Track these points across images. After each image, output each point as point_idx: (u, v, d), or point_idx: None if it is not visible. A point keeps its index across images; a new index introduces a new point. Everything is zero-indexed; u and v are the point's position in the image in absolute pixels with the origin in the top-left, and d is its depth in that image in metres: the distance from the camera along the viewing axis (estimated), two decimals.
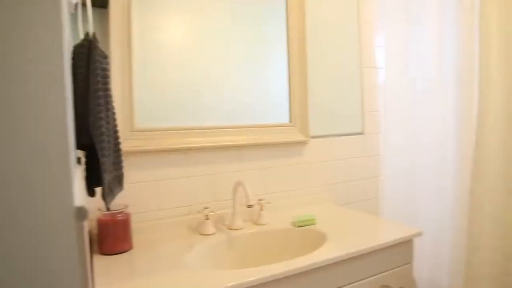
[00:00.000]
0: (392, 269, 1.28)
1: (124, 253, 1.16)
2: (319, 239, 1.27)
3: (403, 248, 1.30)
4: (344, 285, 1.16)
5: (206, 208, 1.34)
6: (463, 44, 1.48)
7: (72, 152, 0.55)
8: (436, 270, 1.70)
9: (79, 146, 0.80)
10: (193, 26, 1.42)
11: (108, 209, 0.96)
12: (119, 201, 1.18)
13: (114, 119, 0.91)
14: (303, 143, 1.65)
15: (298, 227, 1.38)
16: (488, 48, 1.40)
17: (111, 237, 1.15)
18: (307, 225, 1.38)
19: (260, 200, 1.46)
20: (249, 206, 1.23)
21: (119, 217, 1.17)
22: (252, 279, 0.97)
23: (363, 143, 1.86)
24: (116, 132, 0.92)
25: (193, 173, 1.42)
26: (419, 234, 1.31)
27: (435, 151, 1.66)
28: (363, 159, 1.86)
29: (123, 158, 0.97)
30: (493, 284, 1.46)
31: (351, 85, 1.82)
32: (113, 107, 0.90)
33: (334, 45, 1.77)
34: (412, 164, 1.74)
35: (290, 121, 1.61)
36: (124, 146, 1.22)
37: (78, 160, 0.85)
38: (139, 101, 1.30)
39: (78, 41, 0.82)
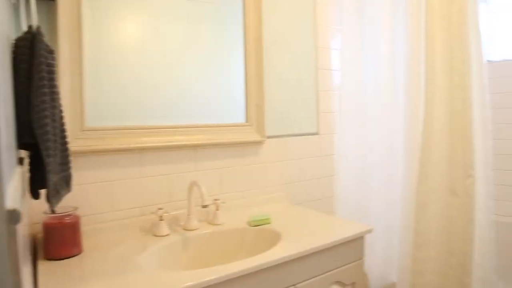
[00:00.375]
0: (345, 265, 1.32)
1: (73, 258, 1.11)
2: (274, 238, 1.28)
3: (355, 245, 1.34)
4: (299, 283, 1.18)
5: (160, 209, 1.32)
6: (411, 51, 1.55)
7: (7, 151, 0.52)
8: (386, 265, 1.77)
9: (22, 145, 0.76)
10: (148, 24, 1.39)
11: (53, 212, 0.91)
12: (68, 203, 1.13)
13: (61, 117, 0.87)
14: (259, 143, 1.66)
15: (253, 226, 1.39)
16: (432, 56, 1.49)
17: (58, 241, 1.10)
18: (262, 225, 1.40)
19: (216, 200, 1.45)
20: (204, 206, 1.22)
21: (67, 220, 1.12)
22: (207, 279, 0.96)
23: (318, 143, 1.91)
24: (63, 131, 0.88)
25: (147, 173, 1.39)
26: (369, 231, 1.37)
27: (385, 152, 1.73)
28: (318, 159, 1.90)
29: (71, 158, 0.92)
30: (437, 277, 1.54)
31: (307, 86, 1.86)
32: (60, 105, 0.86)
33: (291, 47, 1.80)
34: (364, 164, 1.81)
35: (246, 121, 1.62)
36: (74, 145, 1.17)
37: (20, 161, 0.80)
38: (90, 99, 1.25)
39: (20, 34, 0.77)
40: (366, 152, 1.80)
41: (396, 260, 1.66)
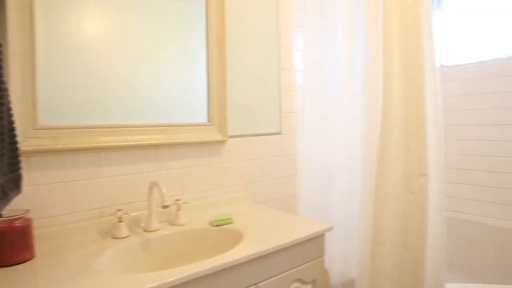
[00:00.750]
0: (306, 263, 1.34)
1: (24, 263, 1.06)
2: (236, 238, 1.28)
3: (315, 243, 1.37)
4: (261, 281, 1.18)
5: (119, 210, 1.28)
6: (370, 54, 1.60)
7: None
8: (346, 262, 1.82)
9: None
10: (111, 20, 1.35)
11: (0, 215, 0.86)
12: (21, 205, 1.07)
13: (10, 115, 0.83)
14: (221, 142, 1.66)
15: (215, 226, 1.38)
16: (389, 60, 1.54)
17: (7, 246, 1.04)
18: (224, 224, 1.39)
19: (177, 200, 1.43)
20: (165, 207, 1.20)
21: (17, 223, 1.06)
22: (169, 280, 0.94)
23: (281, 143, 1.93)
24: (12, 129, 0.84)
25: (107, 173, 1.34)
26: (330, 229, 1.40)
27: (346, 152, 1.78)
28: (280, 158, 1.92)
29: (21, 158, 0.88)
30: (394, 272, 1.60)
31: (269, 86, 1.88)
32: (8, 102, 0.82)
33: (254, 47, 1.81)
34: (325, 163, 1.85)
35: (209, 121, 1.61)
36: (26, 145, 1.11)
37: None
38: (45, 96, 1.19)
39: None
40: (327, 152, 1.84)
41: (355, 257, 1.71)
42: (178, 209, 1.42)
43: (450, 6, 2.61)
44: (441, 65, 2.63)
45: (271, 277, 1.21)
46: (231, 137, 1.69)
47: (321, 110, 1.86)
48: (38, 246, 1.12)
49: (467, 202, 2.54)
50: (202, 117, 1.60)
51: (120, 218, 1.27)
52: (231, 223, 1.41)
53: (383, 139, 1.55)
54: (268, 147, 1.87)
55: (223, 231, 1.37)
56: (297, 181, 1.96)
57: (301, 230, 1.35)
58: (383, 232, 1.58)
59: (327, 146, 1.84)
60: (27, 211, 1.10)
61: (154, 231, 1.33)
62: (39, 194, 1.19)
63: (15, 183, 0.85)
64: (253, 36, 1.80)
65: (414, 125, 1.51)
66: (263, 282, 1.19)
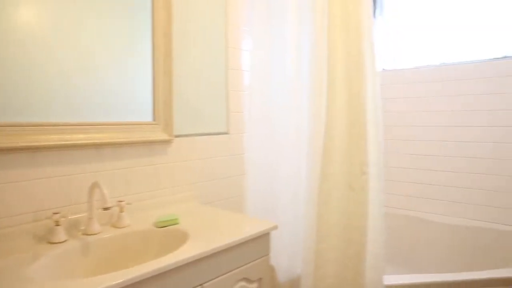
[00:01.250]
0: (252, 262, 1.36)
1: None
2: (181, 239, 1.26)
3: (261, 242, 1.39)
4: (206, 282, 1.18)
5: (56, 213, 1.21)
6: (315, 57, 1.65)
7: None
8: (293, 258, 1.86)
9: None
10: (50, 13, 1.26)
11: None
12: None
13: None
14: (167, 142, 1.63)
15: (160, 227, 1.35)
16: (333, 63, 1.60)
17: None
18: (169, 225, 1.37)
19: (120, 201, 1.38)
20: (106, 209, 1.16)
21: None
22: (109, 284, 0.91)
23: (228, 143, 1.93)
24: None
25: (42, 175, 1.26)
26: (275, 228, 1.42)
27: (291, 152, 1.82)
28: (227, 158, 1.93)
29: None
30: (336, 267, 1.66)
31: (217, 85, 1.87)
32: None
33: (202, 45, 1.79)
34: (272, 163, 1.87)
35: (154, 120, 1.57)
36: None
37: None
38: None
39: None
40: (274, 152, 1.87)
41: (301, 254, 1.75)
42: (121, 211, 1.37)
43: (391, 13, 2.76)
44: (383, 69, 2.78)
45: (216, 277, 1.21)
46: (177, 136, 1.66)
47: (268, 111, 1.89)
48: None
49: (406, 198, 2.71)
50: (147, 116, 1.56)
51: (57, 221, 1.20)
52: (177, 223, 1.39)
53: (327, 139, 1.60)
54: (215, 147, 1.87)
55: (168, 232, 1.35)
56: (244, 181, 1.97)
57: (247, 230, 1.36)
58: (326, 229, 1.63)
59: (274, 146, 1.87)
60: None
61: (95, 234, 1.27)
62: None
63: None
64: (201, 34, 1.79)
65: (356, 126, 1.58)
66: (208, 282, 1.19)
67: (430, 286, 1.74)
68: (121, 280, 0.93)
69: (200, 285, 1.16)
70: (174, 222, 1.39)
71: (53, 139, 1.26)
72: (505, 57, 2.30)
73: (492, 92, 2.32)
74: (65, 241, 1.21)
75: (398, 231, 2.64)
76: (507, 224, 2.30)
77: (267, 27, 1.90)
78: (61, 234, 1.20)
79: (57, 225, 1.20)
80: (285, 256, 1.86)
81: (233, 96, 1.95)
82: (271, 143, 1.88)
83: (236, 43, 1.97)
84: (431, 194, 2.59)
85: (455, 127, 2.47)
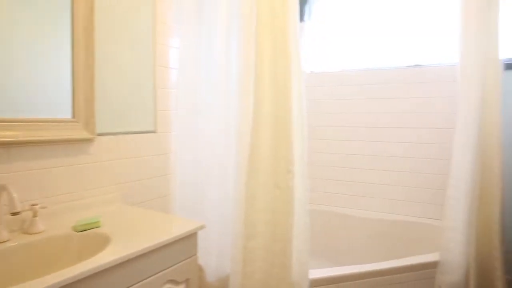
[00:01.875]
0: (178, 263, 1.33)
1: None
2: (103, 242, 1.20)
3: (187, 242, 1.37)
4: (131, 285, 1.14)
5: None
6: (243, 57, 1.66)
7: None
8: (221, 257, 1.86)
9: None
10: None
11: None
12: None
13: None
14: (88, 140, 1.53)
15: (79, 231, 1.28)
16: (261, 63, 1.62)
17: None
18: (90, 229, 1.30)
19: (33, 205, 1.28)
20: (15, 214, 1.06)
21: None
22: None
23: (155, 142, 1.88)
24: None
25: None
26: (202, 227, 1.42)
27: (220, 151, 1.82)
28: (155, 157, 1.87)
29: None
30: (264, 264, 1.70)
31: (144, 83, 1.81)
32: None
33: (128, 41, 1.72)
34: (200, 162, 1.86)
35: (74, 117, 1.47)
36: None
37: None
38: None
39: None
40: (201, 151, 1.86)
41: (229, 252, 1.76)
42: (34, 215, 1.27)
43: (320, 18, 2.88)
44: (311, 71, 2.89)
45: (140, 281, 1.17)
46: (100, 135, 1.58)
47: (196, 109, 1.87)
48: None
49: (330, 195, 2.85)
50: (66, 113, 1.46)
51: None
52: (98, 226, 1.32)
53: (254, 139, 1.62)
54: (142, 146, 1.80)
55: (88, 236, 1.27)
56: (172, 180, 1.93)
57: (173, 230, 1.34)
58: (254, 227, 1.66)
59: (202, 145, 1.86)
60: None
61: (2, 242, 1.16)
62: None
63: None
64: (128, 29, 1.72)
65: (282, 126, 1.62)
66: (133, 286, 1.14)
67: (352, 277, 1.85)
68: None
69: None
70: (95, 225, 1.32)
71: None
72: (417, 65, 2.53)
73: (408, 96, 2.54)
74: None
75: (322, 227, 2.77)
76: (423, 217, 2.53)
77: (196, 25, 1.88)
78: None
79: None
80: (214, 256, 1.86)
81: (160, 94, 1.90)
82: (199, 142, 1.87)
83: (164, 40, 1.92)
84: (354, 191, 2.76)
85: (377, 128, 2.65)
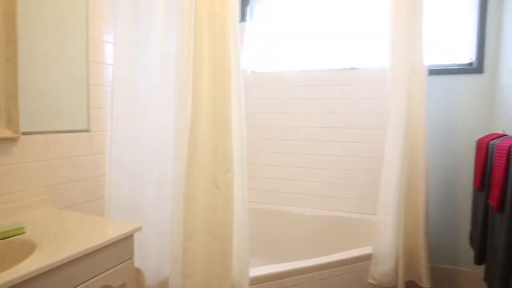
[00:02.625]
0: (113, 267, 1.28)
1: None
2: (28, 250, 1.12)
3: (123, 245, 1.32)
4: None
5: None
6: (182, 55, 1.64)
7: None
8: (160, 258, 1.82)
9: None
10: None
11: None
12: None
13: None
14: (11, 140, 1.41)
15: (0, 239, 1.18)
16: (200, 62, 1.61)
17: None
18: (13, 235, 1.20)
19: None
20: None
21: None
22: None
23: (89, 141, 1.78)
24: None
25: None
26: (139, 229, 1.37)
27: (157, 149, 1.78)
28: (89, 157, 1.78)
29: None
30: (204, 263, 1.69)
31: (76, 79, 1.71)
32: None
33: (59, 33, 1.61)
34: (137, 161, 1.80)
35: None
36: None
37: None
38: None
39: None
40: (139, 150, 1.80)
41: (168, 253, 1.73)
42: None
43: (261, 19, 2.91)
44: (252, 72, 2.92)
45: None
46: (25, 133, 1.47)
47: (133, 108, 1.81)
48: None
49: (269, 194, 2.90)
50: None
51: None
52: (23, 232, 1.23)
53: (192, 138, 1.61)
54: (74, 145, 1.70)
55: (11, 244, 1.18)
56: (108, 181, 1.85)
57: (107, 233, 1.28)
58: (193, 226, 1.64)
59: (139, 143, 1.80)
60: None
61: None
62: None
63: None
64: (59, 21, 1.61)
65: (221, 125, 1.62)
66: None
67: (292, 273, 1.90)
68: None
69: None
70: (19, 231, 1.22)
71: None
72: (352, 68, 2.65)
73: (344, 97, 2.65)
74: None
75: (263, 225, 2.82)
76: (358, 213, 2.66)
77: (133, 20, 1.82)
78: None
79: None
80: (153, 258, 1.82)
81: (94, 91, 1.80)
82: (136, 141, 1.81)
83: (99, 35, 1.83)
84: (292, 189, 2.83)
85: (314, 127, 2.74)
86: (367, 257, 2.08)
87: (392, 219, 2.00)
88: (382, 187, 2.07)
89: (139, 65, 1.81)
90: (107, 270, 1.25)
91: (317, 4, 2.73)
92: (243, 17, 2.88)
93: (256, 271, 1.83)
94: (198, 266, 1.68)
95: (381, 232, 2.05)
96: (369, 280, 2.07)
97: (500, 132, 1.98)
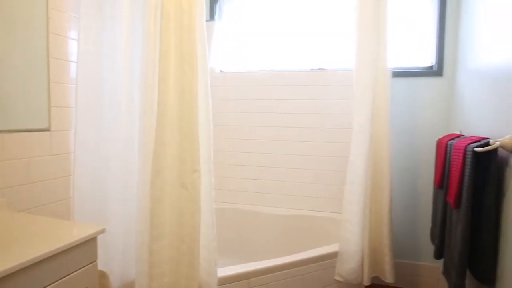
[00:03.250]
0: (75, 271, 1.23)
1: None
2: None
3: (85, 248, 1.28)
4: None
5: None
6: (147, 53, 1.61)
7: None
8: (126, 261, 1.78)
9: None
10: None
11: None
12: None
13: None
14: None
15: None
16: (166, 61, 1.58)
17: None
18: None
19: None
20: None
21: None
22: None
23: (50, 141, 1.72)
24: None
25: None
26: (102, 231, 1.33)
27: (123, 150, 1.74)
28: (50, 158, 1.71)
29: None
30: (171, 265, 1.66)
31: (35, 76, 1.64)
32: None
33: (13, 27, 1.54)
34: (102, 162, 1.75)
35: None
36: None
37: None
38: None
39: None
40: (104, 150, 1.75)
41: (134, 255, 1.69)
42: None
43: (230, 19, 2.90)
44: (220, 71, 2.91)
45: None
46: None
47: (97, 106, 1.76)
48: None
49: (235, 193, 2.90)
50: None
51: None
52: None
53: (158, 137, 1.58)
54: (34, 146, 1.63)
55: None
56: (71, 182, 1.79)
57: (68, 237, 1.23)
58: (160, 227, 1.61)
59: (104, 143, 1.75)
60: None
61: None
62: None
63: None
64: (13, 14, 1.54)
65: (187, 124, 1.60)
66: None
67: (260, 272, 1.91)
68: None
69: None
70: None
71: None
72: (320, 69, 2.70)
73: (311, 98, 2.69)
74: None
75: (231, 225, 2.81)
76: (325, 211, 2.71)
77: (97, 16, 1.77)
78: None
79: None
80: (119, 260, 1.78)
81: (56, 89, 1.74)
82: (101, 141, 1.76)
83: (61, 30, 1.76)
84: (260, 188, 2.84)
85: (282, 127, 2.77)
86: (334, 255, 2.13)
87: (357, 217, 2.05)
88: (347, 187, 2.12)
89: (105, 63, 1.76)
90: (68, 275, 1.21)
91: (286, 4, 2.76)
92: (211, 16, 2.87)
93: (224, 271, 1.83)
94: (165, 268, 1.65)
95: (347, 231, 2.10)
96: (336, 278, 2.11)
97: (457, 132, 2.07)
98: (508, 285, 1.34)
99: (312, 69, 2.71)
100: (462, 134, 1.95)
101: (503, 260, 1.38)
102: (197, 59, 1.61)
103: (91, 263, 1.31)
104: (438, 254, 1.87)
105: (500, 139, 1.37)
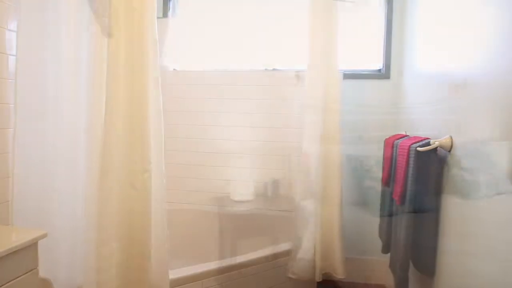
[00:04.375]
0: (13, 279, 1.16)
1: None
2: None
3: (24, 255, 1.20)
4: None
5: None
6: (95, 49, 1.55)
7: None
8: (72, 267, 1.70)
9: None
10: None
11: None
12: None
13: None
14: None
15: None
16: (115, 58, 1.52)
17: None
18: None
19: None
20: None
21: None
22: None
23: None
24: None
25: None
26: (43, 236, 1.26)
27: (69, 148, 1.66)
28: None
29: None
30: (121, 269, 1.61)
31: None
32: None
33: None
34: (45, 163, 1.66)
35: None
36: None
37: None
38: None
39: None
40: (47, 149, 1.66)
41: (81, 261, 1.62)
42: None
43: (183, 16, 2.85)
44: (174, 69, 2.85)
45: None
46: None
47: (40, 104, 1.66)
48: None
49: (187, 193, 2.85)
50: None
51: None
52: None
53: (106, 137, 1.52)
54: None
55: None
56: (10, 184, 1.67)
57: (4, 242, 1.15)
58: (108, 231, 1.55)
59: (47, 143, 1.66)
60: None
61: None
62: None
63: None
64: None
65: (137, 124, 1.55)
66: None
67: (214, 272, 1.90)
68: None
69: None
70: None
71: None
72: (274, 69, 2.73)
73: (264, 98, 2.71)
74: None
75: (184, 225, 2.76)
76: (278, 210, 2.73)
77: (40, 7, 1.66)
78: None
79: None
80: (64, 267, 1.69)
81: None
82: (45, 139, 1.67)
83: None
84: (212, 188, 2.81)
85: (234, 126, 2.76)
86: (286, 253, 2.16)
87: (309, 215, 2.10)
88: (298, 185, 2.16)
89: (48, 58, 1.66)
90: (5, 283, 1.13)
91: (241, 4, 2.75)
92: (165, 13, 2.80)
93: (177, 273, 1.80)
94: (113, 273, 1.59)
95: (299, 228, 2.14)
96: (289, 275, 2.14)
97: (403, 132, 2.18)
98: (446, 276, 1.43)
99: (266, 69, 2.73)
100: (407, 134, 2.05)
101: (441, 254, 1.47)
102: (148, 58, 1.56)
103: (31, 270, 1.24)
104: (386, 249, 1.95)
105: (439, 139, 1.45)
